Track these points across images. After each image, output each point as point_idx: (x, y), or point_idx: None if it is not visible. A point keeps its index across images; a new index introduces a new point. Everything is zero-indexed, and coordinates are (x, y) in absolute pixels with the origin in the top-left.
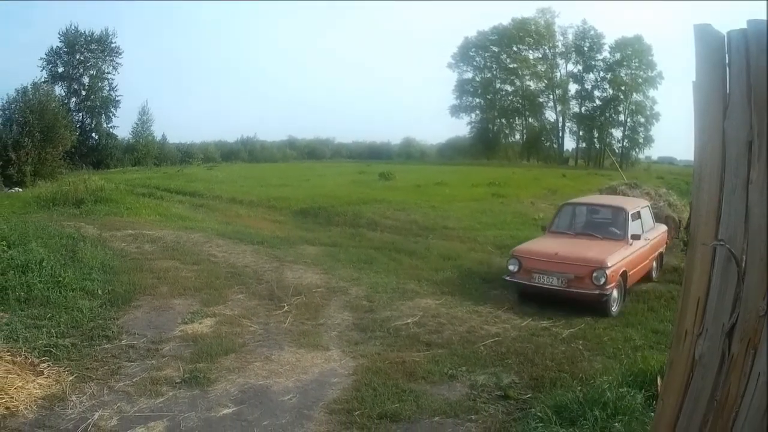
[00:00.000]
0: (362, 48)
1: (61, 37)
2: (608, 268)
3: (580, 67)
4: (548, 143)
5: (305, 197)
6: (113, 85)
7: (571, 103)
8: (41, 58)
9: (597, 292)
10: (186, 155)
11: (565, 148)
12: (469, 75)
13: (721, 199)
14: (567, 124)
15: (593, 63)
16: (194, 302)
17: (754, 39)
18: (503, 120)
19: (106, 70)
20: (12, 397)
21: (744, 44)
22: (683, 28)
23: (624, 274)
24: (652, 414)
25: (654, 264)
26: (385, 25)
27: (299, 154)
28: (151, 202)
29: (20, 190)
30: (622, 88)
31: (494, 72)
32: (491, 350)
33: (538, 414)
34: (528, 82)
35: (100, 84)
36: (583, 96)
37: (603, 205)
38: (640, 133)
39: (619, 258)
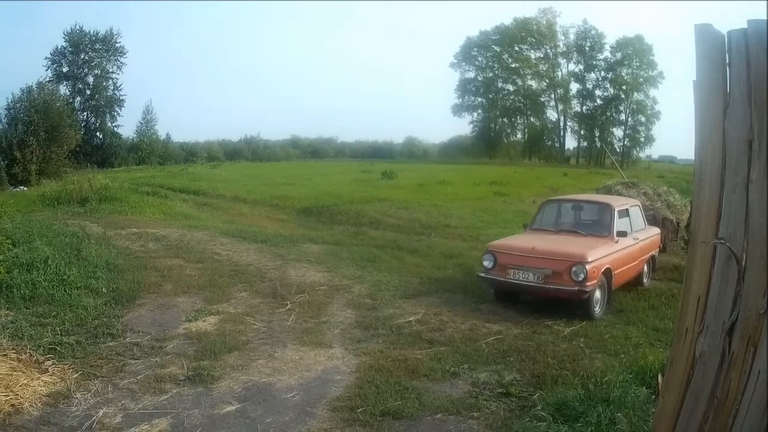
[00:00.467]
0: (365, 48)
1: (66, 37)
2: (588, 263)
3: (581, 67)
4: (550, 142)
5: (308, 196)
6: (118, 84)
7: (572, 102)
8: (46, 58)
9: (576, 288)
10: (190, 154)
11: (566, 147)
12: (472, 74)
13: (721, 197)
14: (568, 124)
15: (594, 62)
16: (198, 300)
17: (754, 39)
18: (505, 119)
19: (110, 70)
20: (17, 395)
21: (744, 44)
22: (684, 27)
23: (608, 273)
24: (653, 410)
25: (645, 268)
26: (388, 25)
27: (302, 153)
28: (155, 200)
29: (25, 188)
30: (623, 87)
31: (496, 71)
32: (493, 348)
33: (540, 411)
34: (530, 82)
35: (104, 83)
36: (585, 95)
37: (588, 202)
38: (641, 132)
39: (602, 254)
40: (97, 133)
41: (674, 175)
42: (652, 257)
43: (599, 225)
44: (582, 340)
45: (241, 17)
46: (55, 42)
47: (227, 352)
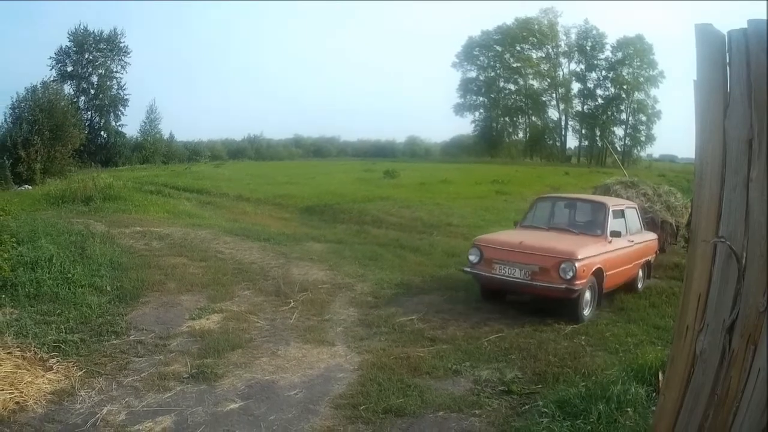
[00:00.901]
0: (368, 47)
1: (70, 37)
2: (578, 260)
3: (582, 66)
4: (551, 141)
5: (311, 195)
6: (122, 84)
7: (573, 101)
8: (50, 58)
9: (564, 286)
10: (193, 153)
11: (567, 146)
12: (473, 74)
13: (721, 196)
14: (569, 123)
15: (595, 62)
16: (201, 298)
17: (754, 38)
18: (507, 118)
19: (114, 69)
20: (22, 392)
21: (744, 44)
22: (684, 27)
23: (599, 274)
24: (654, 408)
25: (640, 273)
26: (391, 24)
27: (305, 152)
28: (159, 199)
29: (30, 187)
30: (624, 86)
31: (498, 71)
32: (495, 346)
33: (542, 408)
34: (531, 81)
35: (108, 83)
36: (586, 95)
37: (581, 200)
38: (642, 132)
39: (593, 253)
40: (102, 133)
41: (675, 174)
42: (648, 263)
43: (592, 224)
44: (583, 338)
45: (244, 17)
46: (59, 42)
47: (230, 350)
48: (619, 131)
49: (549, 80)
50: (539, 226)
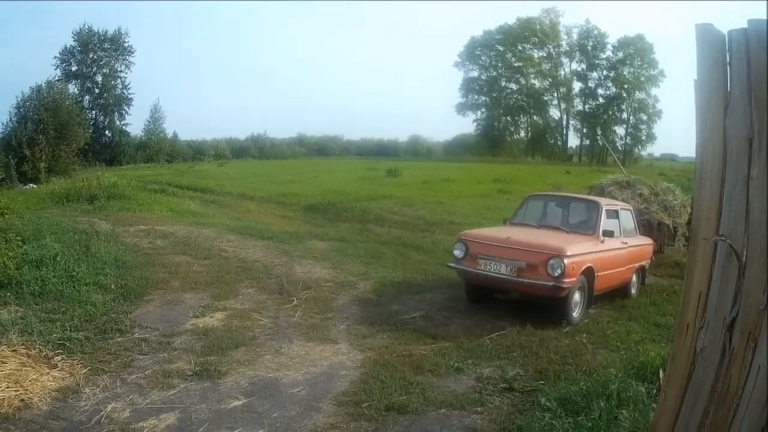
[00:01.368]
0: (370, 47)
1: (75, 37)
2: (567, 257)
3: (583, 66)
4: (552, 140)
5: (314, 193)
6: (126, 83)
7: (575, 101)
8: (55, 57)
9: (551, 284)
10: (197, 152)
11: (569, 146)
12: (475, 73)
13: (722, 195)
14: (571, 122)
15: (597, 62)
16: (205, 296)
17: (754, 38)
18: (508, 118)
19: (118, 69)
20: (27, 390)
21: (744, 43)
22: (684, 27)
23: (590, 274)
24: (655, 405)
25: (633, 277)
26: (393, 25)
27: (308, 151)
28: (163, 198)
29: (35, 186)
30: (625, 86)
31: (500, 70)
32: (496, 343)
33: (544, 405)
34: (533, 81)
35: (113, 82)
36: (587, 94)
37: (574, 198)
38: (643, 131)
39: (584, 251)
40: (106, 132)
41: (675, 173)
42: (642, 267)
43: (584, 222)
44: (584, 335)
45: (248, 17)
46: (64, 42)
47: (234, 348)
48: (620, 130)
49: (550, 79)
50: (529, 224)
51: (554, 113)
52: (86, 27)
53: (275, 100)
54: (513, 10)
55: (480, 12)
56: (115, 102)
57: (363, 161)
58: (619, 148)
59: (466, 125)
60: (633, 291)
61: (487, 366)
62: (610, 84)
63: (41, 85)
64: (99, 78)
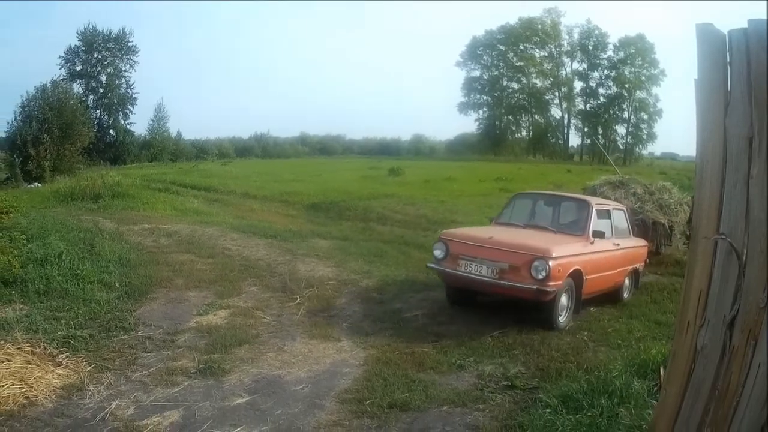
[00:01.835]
0: (373, 47)
1: (80, 36)
2: (552, 259)
3: (585, 65)
4: (554, 139)
5: (317, 192)
6: (130, 82)
7: (576, 100)
8: (60, 57)
9: (535, 287)
10: (201, 151)
11: (570, 145)
12: (477, 73)
13: (722, 193)
14: (572, 121)
15: (598, 61)
16: (209, 294)
17: (754, 38)
18: (510, 117)
19: (123, 69)
20: (31, 387)
21: (745, 43)
22: (685, 27)
23: (578, 276)
24: (655, 402)
25: (626, 281)
26: (396, 24)
27: (311, 150)
28: (167, 197)
29: (39, 185)
30: (626, 85)
31: (501, 70)
32: (498, 341)
33: (546, 402)
34: (534, 80)
35: (117, 82)
36: (588, 93)
37: (563, 197)
38: (644, 130)
39: (571, 252)
40: (110, 131)
41: (676, 172)
42: (636, 270)
43: (573, 222)
44: (585, 333)
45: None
46: (68, 41)
47: (237, 346)
48: (621, 129)
49: (552, 79)
50: (515, 224)
51: (556, 112)
52: (91, 27)
53: (278, 99)
54: (515, 10)
55: (482, 12)
56: (119, 101)
57: (365, 160)
58: (621, 147)
59: (468, 124)
60: (625, 295)
61: (488, 363)
62: (611, 83)
63: (46, 84)
64: (103, 77)
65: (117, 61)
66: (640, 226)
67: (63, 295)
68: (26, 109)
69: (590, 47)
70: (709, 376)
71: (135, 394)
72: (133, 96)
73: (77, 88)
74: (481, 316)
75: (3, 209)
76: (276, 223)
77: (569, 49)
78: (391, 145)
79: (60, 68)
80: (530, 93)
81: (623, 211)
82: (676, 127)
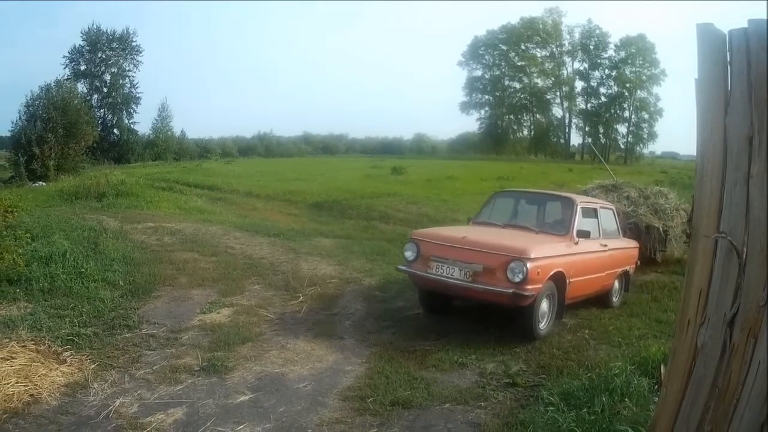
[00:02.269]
0: (375, 46)
1: (84, 36)
2: (530, 260)
3: (586, 65)
4: (555, 139)
5: (320, 191)
6: (134, 82)
7: (577, 99)
8: (64, 57)
9: (511, 291)
10: (204, 150)
11: (571, 144)
12: (479, 72)
13: (722, 192)
14: (573, 120)
15: (599, 61)
16: (212, 293)
17: (754, 38)
18: (512, 116)
19: (127, 68)
20: (36, 385)
21: (745, 43)
22: (685, 27)
23: (560, 279)
24: (656, 400)
25: (616, 284)
26: (398, 24)
27: (314, 149)
28: (171, 195)
29: (44, 184)
30: (627, 85)
31: (503, 70)
32: (499, 339)
33: (547, 399)
34: (536, 80)
35: (121, 81)
36: (589, 93)
37: (545, 195)
38: (644, 129)
39: (552, 253)
40: (114, 130)
41: (677, 171)
42: (626, 273)
43: (556, 221)
44: (586, 331)
45: (254, 17)
46: (72, 41)
47: (241, 344)
48: (622, 129)
49: (553, 78)
50: (494, 223)
51: (557, 112)
52: (95, 27)
53: (281, 99)
54: (516, 10)
55: (483, 12)
56: (123, 101)
57: (368, 159)
58: (621, 146)
59: (470, 124)
60: (615, 299)
61: (490, 361)
62: (612, 83)
63: (50, 84)
64: (107, 77)
65: (121, 61)
66: (633, 230)
67: (67, 294)
68: (31, 109)
69: (591, 47)
70: (709, 374)
71: (139, 391)
72: (137, 95)
73: (81, 87)
74: (483, 314)
75: (8, 208)
76: (279, 222)
77: (570, 48)
78: (394, 144)
79: (64, 68)
80: (532, 92)
81: (612, 210)
82: (677, 126)
